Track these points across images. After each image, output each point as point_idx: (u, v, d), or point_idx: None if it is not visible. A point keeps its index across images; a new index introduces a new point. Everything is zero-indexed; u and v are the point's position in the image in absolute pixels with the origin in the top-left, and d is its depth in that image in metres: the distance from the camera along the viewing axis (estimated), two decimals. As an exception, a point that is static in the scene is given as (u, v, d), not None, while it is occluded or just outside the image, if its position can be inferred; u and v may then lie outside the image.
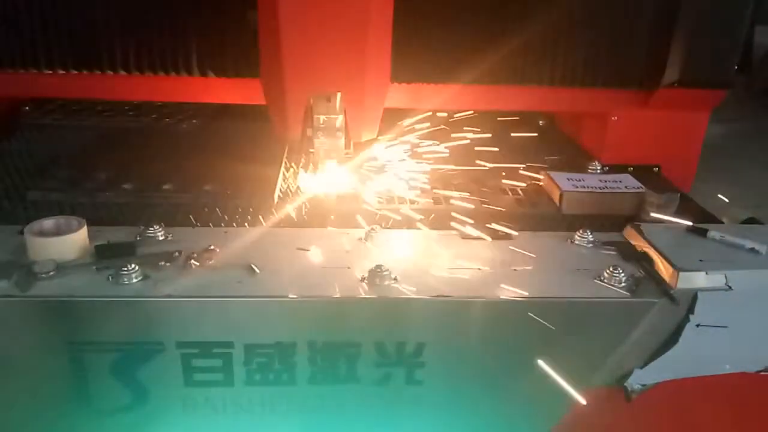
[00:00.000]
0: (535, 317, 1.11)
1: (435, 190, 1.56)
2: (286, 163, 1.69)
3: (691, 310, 1.15)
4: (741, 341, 1.19)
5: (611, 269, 1.16)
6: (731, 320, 1.17)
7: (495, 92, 1.78)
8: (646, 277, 1.18)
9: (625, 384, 1.22)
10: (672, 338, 1.17)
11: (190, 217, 1.37)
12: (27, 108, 2.01)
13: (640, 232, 1.29)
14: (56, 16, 1.58)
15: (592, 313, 1.13)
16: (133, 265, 1.09)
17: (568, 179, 1.53)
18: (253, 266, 1.13)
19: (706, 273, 1.15)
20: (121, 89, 1.71)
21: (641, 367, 1.20)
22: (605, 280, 1.15)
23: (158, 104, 2.10)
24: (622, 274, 1.15)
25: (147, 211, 1.39)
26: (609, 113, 1.78)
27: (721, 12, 1.63)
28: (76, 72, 1.63)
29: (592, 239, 1.30)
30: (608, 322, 1.14)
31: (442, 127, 1.75)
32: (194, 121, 2.04)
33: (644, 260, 1.23)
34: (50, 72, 1.62)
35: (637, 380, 1.22)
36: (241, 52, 1.66)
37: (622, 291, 1.13)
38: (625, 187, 1.51)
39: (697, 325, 1.16)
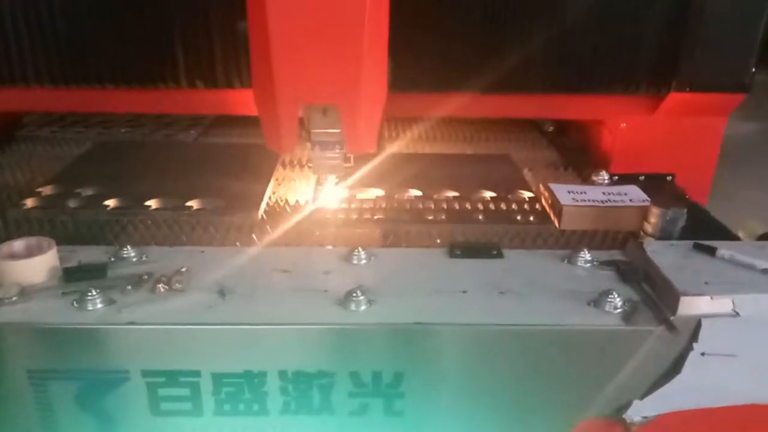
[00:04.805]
0: (521, 346, 1.04)
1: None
2: (275, 177, 1.64)
3: (694, 337, 1.05)
4: (750, 371, 1.09)
5: (606, 293, 1.07)
6: (740, 348, 1.07)
7: (500, 100, 1.71)
8: (645, 302, 1.09)
9: (624, 416, 1.14)
10: (674, 368, 1.08)
11: (171, 235, 1.34)
12: (24, 120, 2.00)
13: (642, 251, 1.20)
14: (45, 30, 1.56)
15: (584, 342, 1.05)
16: (98, 290, 1.05)
17: (568, 192, 1.43)
18: (222, 291, 1.08)
19: (711, 297, 1.06)
20: (113, 102, 1.69)
21: (641, 398, 1.11)
22: (599, 306, 1.07)
23: (156, 116, 2.07)
24: (618, 299, 1.07)
25: (128, 229, 1.36)
26: (617, 120, 1.69)
27: (736, 8, 1.52)
28: (65, 87, 1.61)
29: (589, 258, 1.21)
30: (602, 351, 1.05)
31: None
32: (191, 131, 2.01)
33: (644, 282, 1.14)
34: (39, 86, 1.60)
35: (637, 412, 1.13)
36: (231, 62, 1.62)
37: (616, 318, 1.05)
38: (630, 200, 1.41)
39: (702, 354, 1.07)
